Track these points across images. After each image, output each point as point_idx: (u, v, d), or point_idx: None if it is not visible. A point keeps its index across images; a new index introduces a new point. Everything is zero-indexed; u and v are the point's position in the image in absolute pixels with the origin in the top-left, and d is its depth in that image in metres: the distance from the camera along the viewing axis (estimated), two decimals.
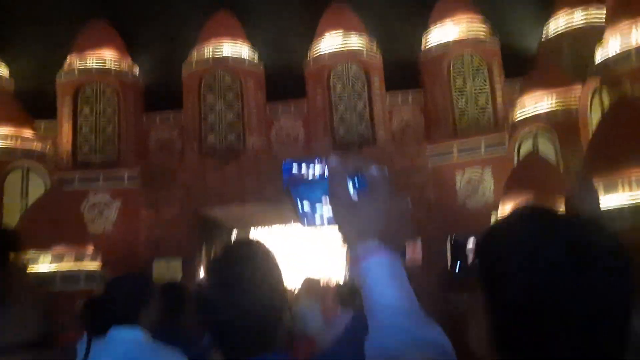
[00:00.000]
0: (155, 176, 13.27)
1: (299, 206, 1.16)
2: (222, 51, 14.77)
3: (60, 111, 14.47)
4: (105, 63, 14.67)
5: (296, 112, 15.22)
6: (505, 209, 10.93)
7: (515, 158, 12.61)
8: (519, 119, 12.68)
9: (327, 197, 1.12)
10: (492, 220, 11.32)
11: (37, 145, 12.84)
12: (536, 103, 12.46)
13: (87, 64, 14.63)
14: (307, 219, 1.17)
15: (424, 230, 12.95)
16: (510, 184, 11.05)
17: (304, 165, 1.17)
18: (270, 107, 15.20)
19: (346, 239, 1.10)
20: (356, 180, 1.12)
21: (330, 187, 1.10)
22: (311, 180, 1.15)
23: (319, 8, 16.01)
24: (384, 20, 16.17)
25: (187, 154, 14.21)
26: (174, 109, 15.24)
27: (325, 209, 1.14)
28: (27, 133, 12.81)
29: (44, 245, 10.28)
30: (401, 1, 16.50)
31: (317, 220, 1.16)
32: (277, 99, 15.23)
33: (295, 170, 1.17)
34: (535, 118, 12.34)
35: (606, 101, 9.72)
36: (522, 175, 10.90)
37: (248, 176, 13.39)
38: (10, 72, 15.29)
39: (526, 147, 12.56)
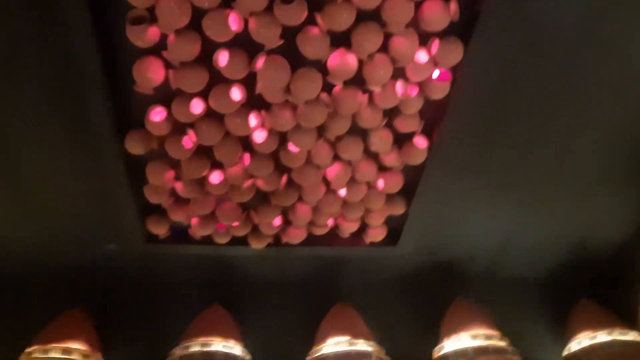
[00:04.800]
0: None
1: None
2: (210, 347, 12.95)
3: None
4: (70, 354, 12.57)
5: None
6: None
7: None
8: None
9: None
10: None
11: None
12: None
13: (49, 355, 12.50)
14: None
15: None
16: None
17: None
18: None
19: None
20: None
21: None
22: None
23: (321, 308, 14.89)
24: (390, 330, 14.88)
25: None
26: None
27: None
28: None
29: None
30: (408, 313, 15.54)
31: None
32: None
33: None
34: None
35: None
36: None
37: None
38: None
39: None
